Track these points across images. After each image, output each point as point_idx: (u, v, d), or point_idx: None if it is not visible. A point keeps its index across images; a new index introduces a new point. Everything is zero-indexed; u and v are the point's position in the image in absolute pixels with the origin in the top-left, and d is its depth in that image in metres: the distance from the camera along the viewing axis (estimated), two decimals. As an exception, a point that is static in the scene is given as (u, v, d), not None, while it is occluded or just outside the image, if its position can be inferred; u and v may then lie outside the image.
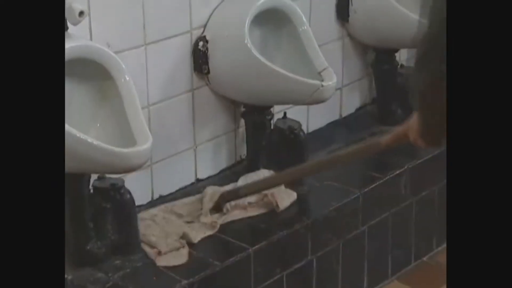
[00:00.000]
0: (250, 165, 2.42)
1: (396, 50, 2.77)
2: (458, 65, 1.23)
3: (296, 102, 2.36)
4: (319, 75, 2.28)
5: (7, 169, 1.19)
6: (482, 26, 1.22)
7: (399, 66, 2.80)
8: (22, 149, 1.20)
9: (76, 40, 1.87)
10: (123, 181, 2.04)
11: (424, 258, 2.64)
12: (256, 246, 2.11)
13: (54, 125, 1.23)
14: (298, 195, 2.31)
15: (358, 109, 2.87)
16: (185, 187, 2.35)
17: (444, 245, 2.70)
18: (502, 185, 1.21)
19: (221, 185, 2.31)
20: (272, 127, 2.42)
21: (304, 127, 2.49)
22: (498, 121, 1.22)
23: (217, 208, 2.20)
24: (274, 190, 2.22)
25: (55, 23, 1.25)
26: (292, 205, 2.28)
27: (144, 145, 1.86)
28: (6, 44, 1.20)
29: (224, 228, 2.19)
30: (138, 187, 2.17)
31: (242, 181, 2.30)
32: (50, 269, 1.21)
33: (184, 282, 1.96)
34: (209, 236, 2.16)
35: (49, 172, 1.22)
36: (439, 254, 2.67)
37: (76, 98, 1.96)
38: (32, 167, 1.20)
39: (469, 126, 1.23)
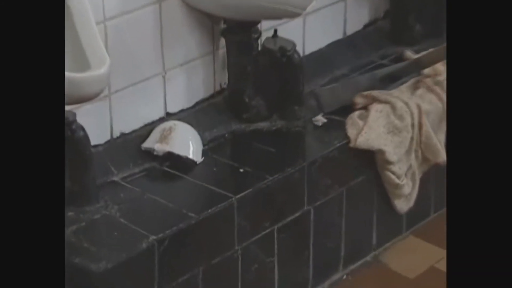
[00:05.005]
0: (233, 96, 2.38)
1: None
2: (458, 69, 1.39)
3: (289, 15, 2.26)
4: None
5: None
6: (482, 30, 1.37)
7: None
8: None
9: None
10: (74, 115, 2.01)
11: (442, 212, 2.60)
12: (241, 194, 2.10)
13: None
14: (290, 133, 2.31)
15: (366, 26, 2.80)
16: (152, 122, 2.29)
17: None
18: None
19: (196, 121, 2.30)
20: (259, 48, 2.37)
21: (299, 48, 2.43)
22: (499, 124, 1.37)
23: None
24: None
25: None
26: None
27: (100, 69, 1.86)
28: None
29: (200, 172, 2.18)
30: (94, 123, 2.14)
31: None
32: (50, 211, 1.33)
33: (152, 238, 1.93)
34: (182, 182, 2.16)
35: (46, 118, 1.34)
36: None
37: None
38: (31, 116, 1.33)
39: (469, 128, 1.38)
